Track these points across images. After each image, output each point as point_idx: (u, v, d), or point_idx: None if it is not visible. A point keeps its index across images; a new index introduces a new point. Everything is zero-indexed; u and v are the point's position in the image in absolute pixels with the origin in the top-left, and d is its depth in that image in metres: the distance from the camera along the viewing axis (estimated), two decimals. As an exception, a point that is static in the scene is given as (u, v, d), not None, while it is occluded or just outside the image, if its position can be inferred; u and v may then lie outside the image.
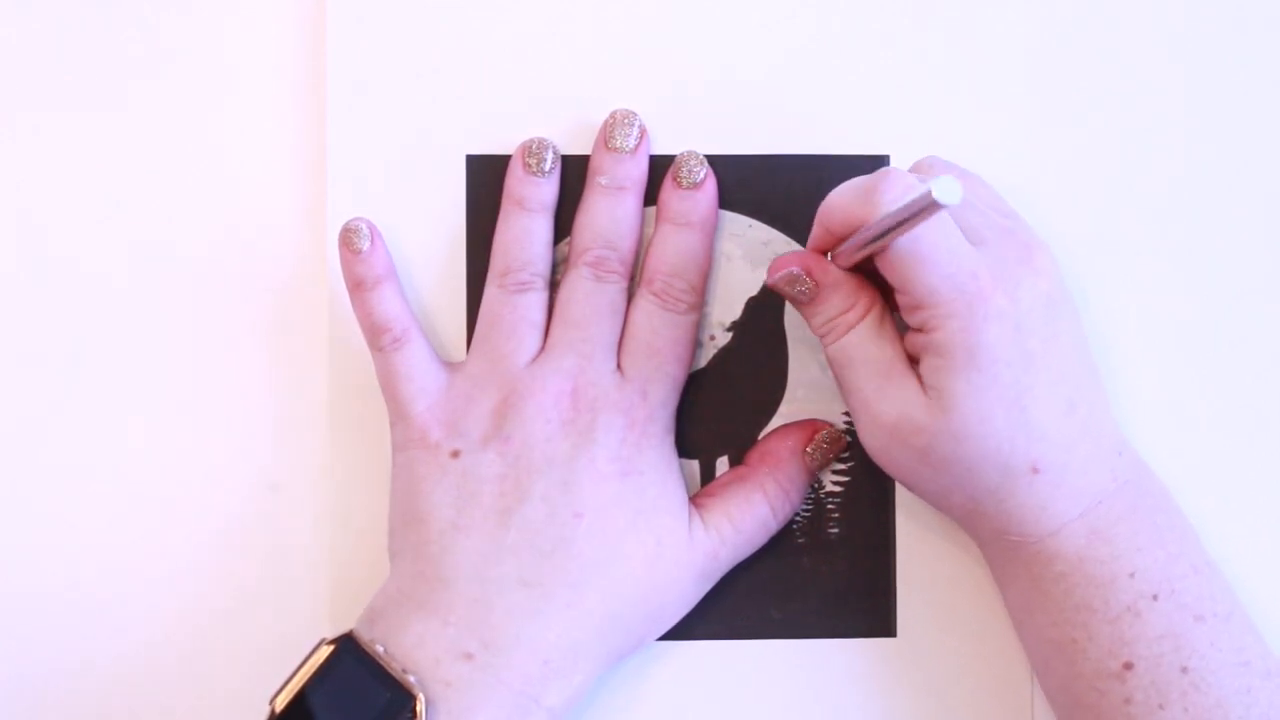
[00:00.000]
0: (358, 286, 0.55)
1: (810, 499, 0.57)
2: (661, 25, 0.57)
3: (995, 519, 0.52)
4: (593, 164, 0.56)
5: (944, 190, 0.45)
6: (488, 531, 0.52)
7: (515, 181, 0.56)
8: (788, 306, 0.57)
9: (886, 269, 0.50)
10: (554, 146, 0.56)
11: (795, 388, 0.57)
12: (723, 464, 0.57)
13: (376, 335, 0.55)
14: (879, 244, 0.49)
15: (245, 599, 0.56)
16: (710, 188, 0.56)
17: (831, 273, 0.52)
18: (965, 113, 0.57)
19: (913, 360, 0.52)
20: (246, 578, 0.56)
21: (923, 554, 0.57)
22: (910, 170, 0.53)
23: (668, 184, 0.56)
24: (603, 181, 0.56)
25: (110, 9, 0.58)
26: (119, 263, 0.57)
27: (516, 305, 0.55)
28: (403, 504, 0.54)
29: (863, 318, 0.52)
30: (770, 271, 0.53)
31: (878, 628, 0.57)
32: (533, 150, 0.56)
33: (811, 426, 0.57)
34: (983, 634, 0.57)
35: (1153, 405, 0.57)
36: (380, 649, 0.51)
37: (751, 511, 0.55)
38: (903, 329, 0.52)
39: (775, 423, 0.57)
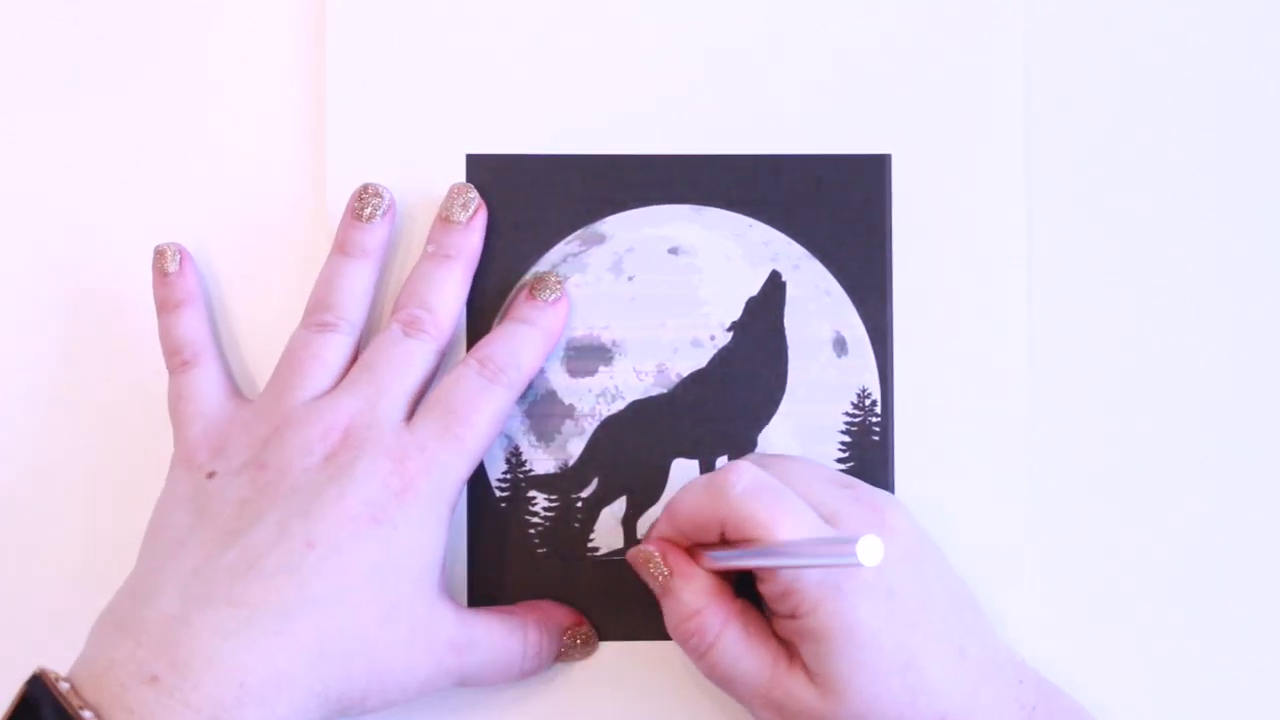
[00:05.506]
0: (161, 307, 0.56)
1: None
2: (661, 25, 0.57)
3: None
4: (430, 232, 0.56)
5: (868, 552, 0.44)
6: (208, 551, 0.50)
7: (341, 225, 0.56)
8: (788, 306, 0.57)
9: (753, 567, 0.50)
10: (387, 195, 0.56)
11: (795, 387, 0.57)
12: (722, 464, 0.57)
13: (169, 356, 0.56)
14: (763, 568, 0.50)
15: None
16: (563, 306, 0.56)
17: (687, 568, 0.52)
18: (965, 113, 0.57)
19: (788, 644, 0.51)
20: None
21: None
22: (720, 465, 0.52)
23: (523, 294, 0.56)
24: (430, 249, 0.56)
25: (109, 8, 0.58)
26: (117, 262, 0.57)
27: (310, 343, 0.55)
28: (151, 522, 0.53)
29: (724, 629, 0.51)
30: (630, 553, 0.54)
31: (878, 628, 0.57)
32: (361, 196, 0.56)
33: (579, 618, 0.56)
34: (982, 634, 0.57)
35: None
36: (65, 686, 0.48)
37: (508, 639, 0.54)
38: (769, 614, 0.52)
39: (775, 423, 0.57)
